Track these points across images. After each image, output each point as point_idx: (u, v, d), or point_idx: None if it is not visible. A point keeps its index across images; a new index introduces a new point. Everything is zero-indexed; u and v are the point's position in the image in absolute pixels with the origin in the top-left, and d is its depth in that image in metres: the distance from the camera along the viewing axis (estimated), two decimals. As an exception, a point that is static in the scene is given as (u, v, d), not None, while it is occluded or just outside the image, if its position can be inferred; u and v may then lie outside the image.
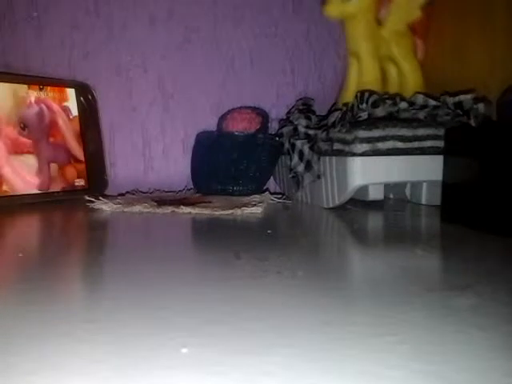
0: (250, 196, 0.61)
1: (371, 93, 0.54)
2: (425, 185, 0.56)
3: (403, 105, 0.53)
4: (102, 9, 0.70)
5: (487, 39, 0.58)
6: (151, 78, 0.72)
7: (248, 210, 0.53)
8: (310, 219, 0.56)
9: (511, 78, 0.53)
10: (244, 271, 0.32)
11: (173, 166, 0.73)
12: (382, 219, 0.53)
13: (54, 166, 0.61)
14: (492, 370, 0.19)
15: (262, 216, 0.52)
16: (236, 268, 0.33)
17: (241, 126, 0.68)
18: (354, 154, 0.50)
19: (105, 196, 0.60)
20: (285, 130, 0.63)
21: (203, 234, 0.48)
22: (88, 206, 0.57)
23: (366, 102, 0.52)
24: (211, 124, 0.71)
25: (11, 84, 0.58)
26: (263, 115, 0.69)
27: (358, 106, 0.53)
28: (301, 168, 0.57)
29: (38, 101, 0.61)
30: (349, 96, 0.61)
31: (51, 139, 0.61)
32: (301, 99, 0.68)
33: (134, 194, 0.65)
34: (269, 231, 0.45)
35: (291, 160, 0.59)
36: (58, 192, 0.61)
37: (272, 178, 0.69)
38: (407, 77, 0.63)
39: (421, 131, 0.51)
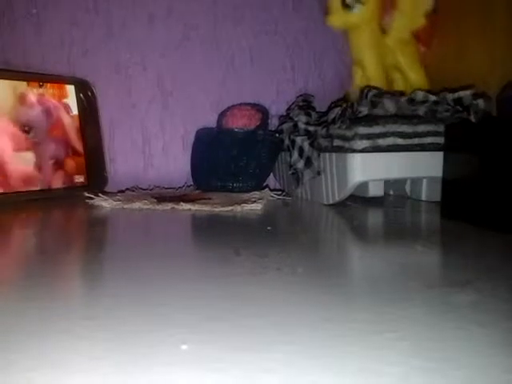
0: (250, 193, 0.61)
1: (371, 88, 0.54)
2: (425, 181, 0.55)
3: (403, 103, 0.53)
4: (101, 6, 0.70)
5: (487, 38, 0.58)
6: (151, 75, 0.72)
7: (248, 207, 0.53)
8: (309, 216, 0.56)
9: (511, 75, 0.53)
10: (244, 268, 0.32)
11: (172, 163, 0.73)
12: (382, 216, 0.53)
13: (54, 163, 0.61)
14: (492, 366, 0.19)
15: (261, 213, 0.52)
16: (236, 265, 0.33)
17: (241, 122, 0.68)
18: (354, 151, 0.50)
19: (104, 193, 0.60)
20: (285, 126, 0.63)
21: (203, 231, 0.48)
22: (88, 202, 0.57)
23: (366, 97, 0.52)
24: (211, 121, 0.70)
25: (11, 81, 0.58)
26: (263, 112, 0.69)
27: (357, 102, 0.53)
28: (301, 164, 0.57)
29: (40, 100, 0.61)
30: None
31: (52, 136, 0.61)
32: (301, 96, 0.68)
33: (133, 191, 0.65)
34: (268, 228, 0.45)
35: (291, 156, 0.59)
36: (57, 189, 0.61)
37: (272, 174, 0.69)
38: (413, 85, 0.62)
39: (421, 127, 0.51)
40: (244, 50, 0.73)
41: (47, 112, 0.61)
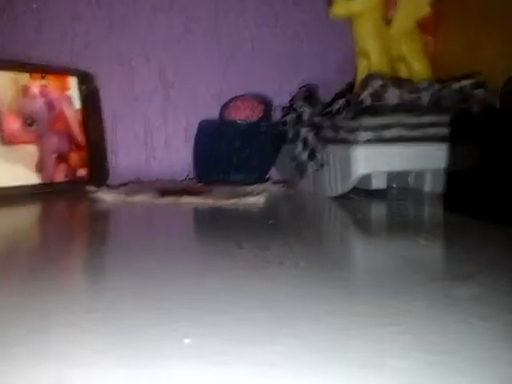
0: (253, 185, 0.61)
1: (374, 77, 0.53)
2: (428, 173, 0.55)
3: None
4: (103, 0, 0.70)
5: (495, 28, 0.57)
6: (153, 67, 0.72)
7: (250, 200, 0.53)
8: (312, 208, 0.56)
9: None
10: (246, 261, 0.32)
11: (175, 156, 0.73)
12: (385, 208, 0.53)
13: (56, 157, 0.61)
14: (494, 359, 0.19)
15: (264, 205, 0.52)
16: (238, 258, 0.33)
17: (243, 114, 0.67)
18: (358, 142, 0.49)
19: (107, 186, 0.60)
20: (288, 117, 0.62)
21: (205, 224, 0.48)
22: (90, 196, 0.57)
23: (369, 87, 0.52)
24: (213, 113, 0.70)
25: (13, 73, 0.58)
26: (266, 103, 0.69)
27: (360, 92, 0.53)
28: (304, 156, 0.57)
29: (43, 92, 0.60)
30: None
31: (55, 129, 0.61)
32: (304, 86, 0.68)
33: (136, 184, 0.65)
34: (270, 221, 0.45)
35: (295, 148, 0.59)
36: (60, 182, 0.61)
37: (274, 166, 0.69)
38: (417, 75, 0.62)
39: (426, 118, 0.50)
40: (246, 42, 0.73)
41: (50, 104, 0.61)
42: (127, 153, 0.72)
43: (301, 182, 0.61)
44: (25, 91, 0.59)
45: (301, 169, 0.59)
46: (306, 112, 0.59)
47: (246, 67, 0.73)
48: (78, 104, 0.64)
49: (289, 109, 0.65)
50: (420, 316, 0.23)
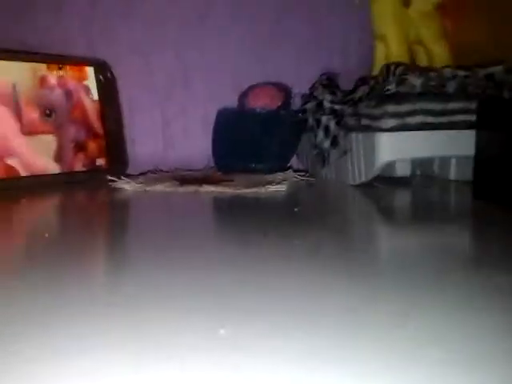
0: (273, 174, 0.60)
1: (398, 64, 0.52)
2: (453, 160, 0.54)
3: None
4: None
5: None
6: (170, 55, 0.71)
7: (272, 188, 0.52)
8: (335, 197, 0.55)
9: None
10: (270, 250, 0.31)
11: (193, 144, 0.72)
12: (410, 196, 0.52)
13: (75, 146, 0.61)
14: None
15: (286, 194, 0.51)
16: (262, 246, 0.32)
17: (263, 102, 0.66)
18: (382, 130, 0.48)
19: (126, 175, 0.60)
20: (308, 105, 0.61)
21: (227, 213, 0.47)
22: (110, 185, 0.56)
23: (393, 74, 0.51)
24: (232, 101, 0.69)
25: (31, 64, 0.58)
26: (286, 91, 0.68)
27: (384, 79, 0.51)
28: (327, 144, 0.56)
29: (61, 83, 0.60)
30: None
31: (73, 119, 0.61)
32: (324, 74, 0.66)
33: (155, 173, 0.64)
34: (296, 209, 0.44)
35: (316, 136, 0.58)
36: (79, 172, 0.61)
37: (295, 155, 0.68)
38: (436, 60, 0.60)
39: (451, 105, 0.49)
40: (265, 29, 0.72)
41: (68, 94, 0.61)
42: (145, 142, 0.72)
43: (323, 170, 0.60)
44: (43, 82, 0.59)
45: (323, 157, 0.58)
46: (327, 100, 0.58)
47: (266, 54, 0.72)
48: (95, 94, 0.64)
49: (309, 96, 0.64)
50: (445, 312, 0.22)
